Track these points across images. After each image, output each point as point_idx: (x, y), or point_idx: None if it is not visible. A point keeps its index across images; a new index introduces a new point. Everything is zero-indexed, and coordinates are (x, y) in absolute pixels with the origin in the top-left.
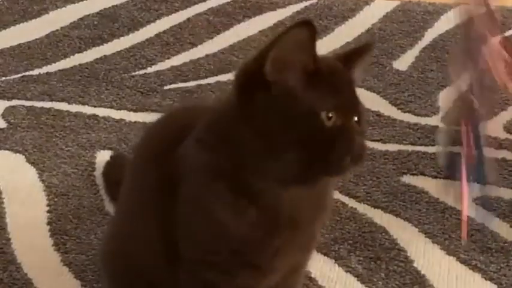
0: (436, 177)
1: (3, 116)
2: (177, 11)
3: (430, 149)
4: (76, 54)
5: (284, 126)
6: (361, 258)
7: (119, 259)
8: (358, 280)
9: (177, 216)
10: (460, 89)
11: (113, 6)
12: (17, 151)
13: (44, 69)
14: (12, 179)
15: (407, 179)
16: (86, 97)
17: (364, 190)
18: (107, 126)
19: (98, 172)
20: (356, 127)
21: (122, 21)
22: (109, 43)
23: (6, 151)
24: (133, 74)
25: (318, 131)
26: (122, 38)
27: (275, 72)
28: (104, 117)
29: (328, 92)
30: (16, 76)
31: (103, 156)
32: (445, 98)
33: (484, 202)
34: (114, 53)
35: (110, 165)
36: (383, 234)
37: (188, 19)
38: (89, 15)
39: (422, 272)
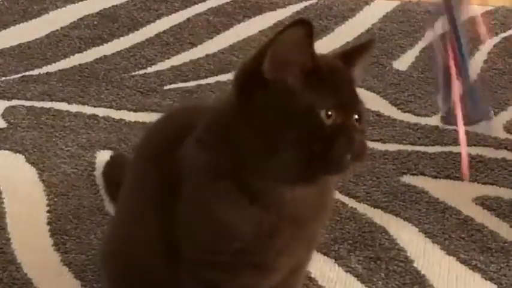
0: (436, 177)
1: (3, 116)
2: (177, 11)
3: (430, 149)
4: (76, 54)
5: (283, 125)
6: (361, 258)
7: (119, 259)
8: (358, 280)
9: (177, 216)
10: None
11: (112, 6)
12: (17, 151)
13: (44, 69)
14: (12, 179)
15: (407, 179)
16: (85, 97)
17: (364, 190)
18: (106, 126)
19: (98, 172)
20: (356, 125)
21: (121, 21)
22: (109, 43)
23: (6, 151)
24: (133, 74)
25: (317, 129)
26: (121, 38)
27: (273, 70)
28: (103, 117)
29: (328, 91)
30: (16, 76)
31: (103, 156)
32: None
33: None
34: (114, 53)
35: (110, 165)
36: (383, 234)
37: (188, 19)
38: (89, 15)
39: (422, 272)
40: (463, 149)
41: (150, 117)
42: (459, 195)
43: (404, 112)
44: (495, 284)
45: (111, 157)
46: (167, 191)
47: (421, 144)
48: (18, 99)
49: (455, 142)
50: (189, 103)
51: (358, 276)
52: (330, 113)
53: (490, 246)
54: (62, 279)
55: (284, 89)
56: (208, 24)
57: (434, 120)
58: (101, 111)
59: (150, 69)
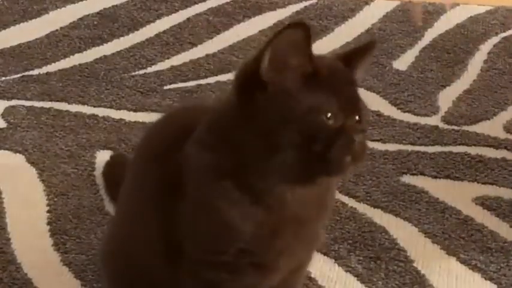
0: (436, 177)
1: (3, 116)
2: (177, 11)
3: (430, 149)
4: (76, 54)
5: (283, 126)
6: (361, 258)
7: (119, 259)
8: (358, 280)
9: (178, 217)
10: None
11: (112, 6)
12: (17, 151)
13: (44, 69)
14: (12, 179)
15: (407, 178)
16: (85, 97)
17: (364, 190)
18: (106, 126)
19: (98, 172)
20: (356, 126)
21: (121, 21)
22: (109, 43)
23: (6, 151)
24: (133, 74)
25: (317, 131)
26: (121, 38)
27: (271, 73)
28: (103, 117)
29: (328, 93)
30: (16, 76)
31: (103, 156)
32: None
33: None
34: (114, 53)
35: (110, 165)
36: (383, 234)
37: (188, 19)
38: (88, 15)
39: (422, 272)
40: None
41: (150, 117)
42: (459, 195)
43: (404, 112)
44: (495, 284)
45: (111, 157)
46: (167, 191)
47: (421, 144)
48: (18, 99)
49: (455, 142)
50: (189, 103)
51: (358, 276)
52: (329, 114)
53: (490, 246)
54: (62, 279)
55: (283, 91)
56: (208, 24)
57: (434, 120)
58: (100, 111)
59: (150, 69)
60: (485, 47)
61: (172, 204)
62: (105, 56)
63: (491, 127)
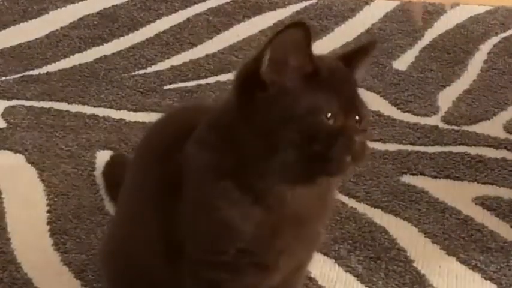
0: (436, 177)
1: (3, 116)
2: (177, 11)
3: (430, 149)
4: (76, 54)
5: (283, 126)
6: (361, 258)
7: (118, 259)
8: (358, 280)
9: (178, 217)
10: None
11: (112, 6)
12: (17, 151)
13: (44, 69)
14: (12, 179)
15: (407, 178)
16: (85, 97)
17: (364, 190)
18: (106, 126)
19: (98, 172)
20: (357, 126)
21: (121, 21)
22: (109, 43)
23: (6, 151)
24: (133, 74)
25: (317, 131)
26: (121, 38)
27: (271, 73)
28: (103, 117)
29: (328, 93)
30: (16, 76)
31: (103, 156)
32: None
33: None
34: (114, 53)
35: (109, 165)
36: (383, 234)
37: (188, 19)
38: (88, 15)
39: (422, 272)
40: None
41: (150, 117)
42: (459, 195)
43: (404, 112)
44: (495, 283)
45: (111, 157)
46: (167, 191)
47: (420, 144)
48: (18, 99)
49: (455, 142)
50: (189, 103)
51: (358, 276)
52: (330, 114)
53: (490, 246)
54: (62, 279)
55: (283, 92)
56: (208, 24)
57: (434, 120)
58: (100, 111)
59: (150, 69)
60: (485, 47)
61: (172, 204)
62: (105, 56)
63: (491, 127)
